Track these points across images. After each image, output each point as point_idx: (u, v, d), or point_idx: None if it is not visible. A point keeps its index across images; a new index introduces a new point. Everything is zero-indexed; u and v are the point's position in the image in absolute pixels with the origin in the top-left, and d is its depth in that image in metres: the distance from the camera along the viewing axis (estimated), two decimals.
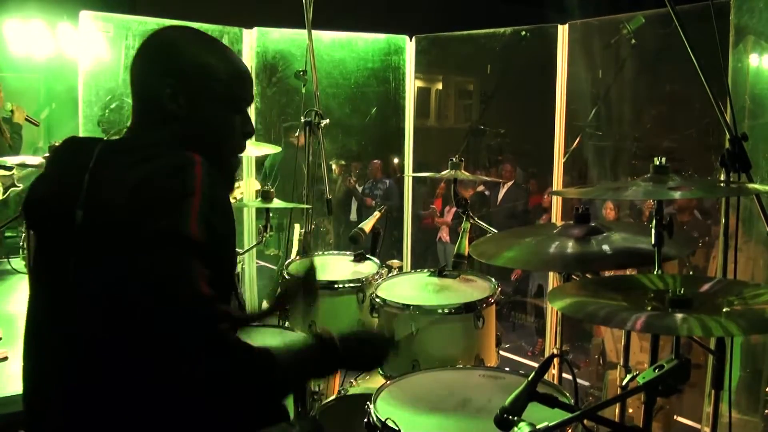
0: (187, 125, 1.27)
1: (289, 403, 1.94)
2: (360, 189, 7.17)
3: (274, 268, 5.69)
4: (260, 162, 4.64)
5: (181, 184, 1.11)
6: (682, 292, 1.33)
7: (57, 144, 1.38)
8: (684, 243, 1.94)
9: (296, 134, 3.04)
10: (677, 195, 1.56)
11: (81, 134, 3.72)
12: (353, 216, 7.01)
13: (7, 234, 3.57)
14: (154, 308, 1.03)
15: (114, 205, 1.11)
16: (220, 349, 1.05)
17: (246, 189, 4.30)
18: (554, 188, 4.26)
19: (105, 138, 1.27)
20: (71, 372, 1.15)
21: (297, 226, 3.61)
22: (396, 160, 6.39)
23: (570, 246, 1.86)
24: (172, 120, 1.26)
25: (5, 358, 2.01)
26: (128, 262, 1.06)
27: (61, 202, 1.17)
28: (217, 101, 1.30)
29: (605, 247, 1.83)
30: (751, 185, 1.58)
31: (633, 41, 4.44)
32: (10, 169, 3.19)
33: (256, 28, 4.31)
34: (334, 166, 6.58)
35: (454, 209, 6.48)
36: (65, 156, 1.28)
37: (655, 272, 1.56)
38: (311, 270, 1.59)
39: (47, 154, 2.89)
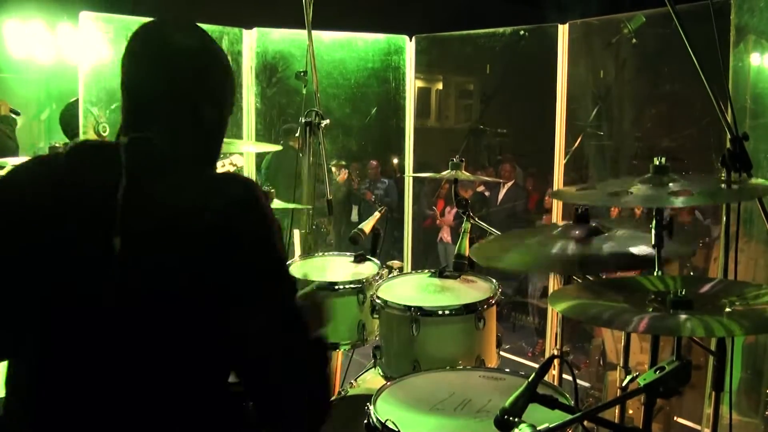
0: (213, 132, 1.25)
1: None
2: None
3: None
4: (257, 162, 4.63)
5: (263, 212, 1.14)
6: (683, 293, 1.32)
7: (61, 150, 1.25)
8: (684, 243, 1.94)
9: (296, 135, 3.04)
10: (678, 202, 1.55)
11: (81, 135, 3.72)
12: (354, 216, 7.01)
13: None
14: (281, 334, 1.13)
15: (182, 233, 1.07)
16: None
17: (247, 166, 4.28)
18: (554, 188, 4.26)
19: (122, 143, 1.15)
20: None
21: (296, 232, 3.62)
22: (396, 161, 6.39)
23: (571, 248, 1.85)
24: (200, 125, 1.21)
25: None
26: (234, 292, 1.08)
27: (84, 225, 1.09)
28: (231, 105, 1.29)
29: (606, 247, 1.82)
30: (753, 180, 1.57)
31: (633, 41, 4.44)
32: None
33: (256, 29, 4.31)
34: (334, 168, 6.57)
35: (455, 209, 6.48)
36: (80, 169, 1.15)
37: (655, 273, 1.56)
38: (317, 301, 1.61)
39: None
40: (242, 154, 4.17)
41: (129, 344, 1.08)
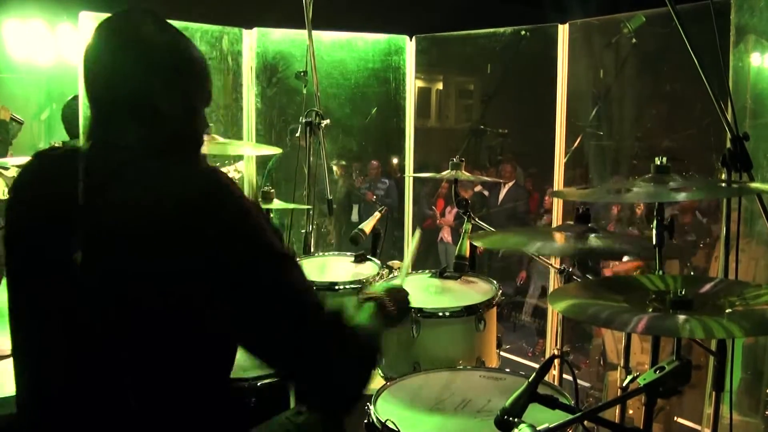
0: (181, 126, 1.19)
1: (292, 401, 1.93)
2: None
3: None
4: (260, 162, 4.62)
5: (232, 200, 1.09)
6: (683, 293, 1.32)
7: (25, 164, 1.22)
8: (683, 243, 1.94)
9: (297, 134, 3.05)
10: (680, 197, 1.55)
11: (81, 134, 3.71)
12: (354, 216, 7.00)
13: None
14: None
15: (147, 234, 1.03)
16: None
17: (247, 173, 4.27)
18: (555, 188, 4.25)
19: (83, 150, 1.12)
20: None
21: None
22: (395, 161, 6.38)
23: (571, 239, 1.87)
24: (163, 122, 1.16)
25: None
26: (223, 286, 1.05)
27: (44, 239, 1.08)
28: (200, 96, 1.24)
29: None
30: (753, 184, 1.57)
31: (634, 40, 4.44)
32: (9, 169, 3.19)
33: (256, 29, 4.31)
34: (335, 168, 6.57)
35: (455, 209, 6.48)
36: (39, 180, 1.16)
37: (656, 273, 1.56)
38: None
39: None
40: (242, 157, 4.17)
41: (103, 354, 1.07)
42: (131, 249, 1.04)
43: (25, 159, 3.49)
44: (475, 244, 2.18)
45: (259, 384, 1.82)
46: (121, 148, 1.13)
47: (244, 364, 1.81)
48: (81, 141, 1.20)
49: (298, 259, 1.16)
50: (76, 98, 3.71)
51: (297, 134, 3.07)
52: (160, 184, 1.08)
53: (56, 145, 2.88)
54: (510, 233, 2.07)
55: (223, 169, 3.43)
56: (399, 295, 1.64)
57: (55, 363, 1.10)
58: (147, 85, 1.14)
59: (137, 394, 1.07)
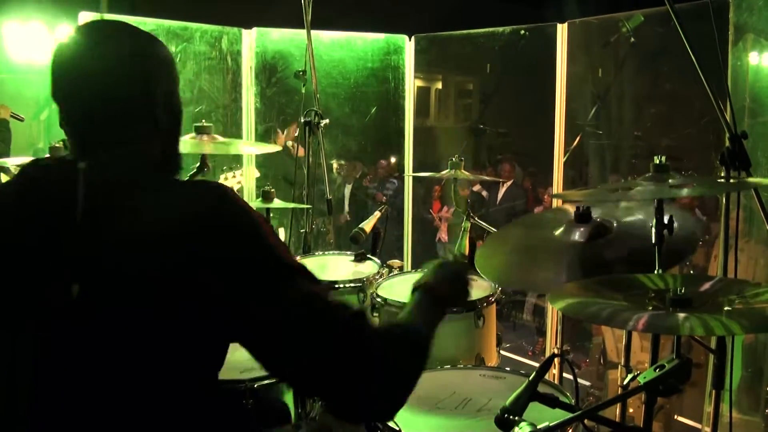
0: (168, 138, 1.16)
1: (290, 403, 1.93)
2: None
3: None
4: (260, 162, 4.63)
5: (239, 211, 1.04)
6: (682, 291, 1.32)
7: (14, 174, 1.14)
8: (685, 244, 1.93)
9: (282, 133, 3.07)
10: (683, 192, 1.55)
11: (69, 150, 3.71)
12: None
13: None
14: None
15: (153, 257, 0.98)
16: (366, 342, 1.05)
17: (246, 180, 4.27)
18: (554, 188, 4.26)
19: (80, 169, 1.05)
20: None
21: (281, 230, 3.63)
22: (393, 160, 6.37)
23: (578, 253, 1.83)
24: (153, 136, 1.12)
25: None
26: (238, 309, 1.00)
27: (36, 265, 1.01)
28: (180, 105, 1.19)
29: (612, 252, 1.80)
30: (751, 179, 1.57)
31: (632, 40, 4.44)
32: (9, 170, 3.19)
33: (255, 29, 4.31)
34: (335, 165, 6.56)
35: (453, 209, 6.47)
36: (27, 197, 1.07)
37: (655, 272, 1.56)
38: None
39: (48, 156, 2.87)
40: (241, 164, 4.17)
41: (98, 374, 1.02)
42: (139, 266, 0.99)
43: (25, 159, 3.50)
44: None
45: (256, 386, 1.82)
46: (119, 165, 1.08)
47: (240, 365, 1.82)
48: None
49: (311, 272, 1.09)
50: None
51: (283, 133, 3.07)
52: (170, 201, 1.05)
53: (57, 145, 2.88)
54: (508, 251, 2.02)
55: (222, 176, 3.44)
56: (453, 271, 1.37)
57: (39, 374, 1.04)
58: (146, 96, 1.10)
59: (130, 418, 1.04)
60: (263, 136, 4.60)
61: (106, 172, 1.06)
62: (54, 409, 1.03)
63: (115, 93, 1.08)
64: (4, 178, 3.15)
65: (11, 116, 3.97)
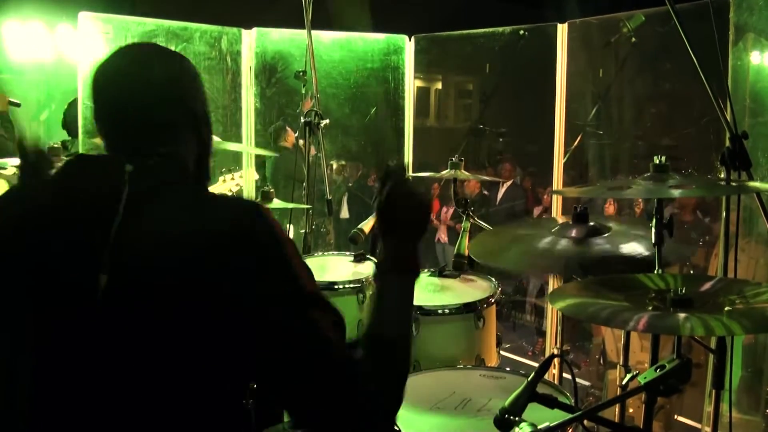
0: (204, 150, 1.22)
1: None
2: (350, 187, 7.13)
3: None
4: (260, 163, 4.62)
5: (269, 232, 1.07)
6: (683, 291, 1.32)
7: (61, 164, 1.17)
8: (684, 245, 1.93)
9: (287, 134, 3.06)
10: (677, 193, 1.55)
11: (81, 136, 3.71)
12: (344, 214, 6.97)
13: None
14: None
15: (177, 266, 1.01)
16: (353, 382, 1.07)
17: (246, 181, 4.26)
18: (554, 187, 4.26)
19: (127, 171, 1.09)
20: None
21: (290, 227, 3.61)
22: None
23: (569, 250, 1.85)
24: (195, 146, 1.20)
25: None
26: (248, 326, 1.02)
27: (70, 255, 1.04)
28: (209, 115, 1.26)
29: (606, 247, 1.82)
30: (752, 183, 1.58)
31: (633, 40, 4.43)
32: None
33: (255, 29, 4.31)
34: (335, 165, 6.56)
35: (452, 209, 6.48)
36: (73, 195, 1.09)
37: (655, 272, 1.56)
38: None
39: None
40: (241, 166, 4.16)
41: (114, 380, 1.04)
42: (161, 275, 1.02)
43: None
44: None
45: (256, 386, 1.81)
46: (155, 172, 1.12)
47: None
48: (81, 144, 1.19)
49: (325, 300, 1.11)
50: (77, 101, 3.70)
51: (287, 133, 3.07)
52: (200, 212, 1.08)
53: (56, 145, 2.88)
54: (505, 240, 2.04)
55: (221, 178, 3.43)
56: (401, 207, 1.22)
57: (53, 387, 1.06)
58: (190, 113, 1.18)
59: (145, 424, 1.05)
60: (272, 135, 4.60)
61: (149, 178, 1.11)
62: (70, 406, 1.05)
63: (161, 113, 1.15)
64: (1, 181, 3.13)
65: (9, 103, 3.89)
